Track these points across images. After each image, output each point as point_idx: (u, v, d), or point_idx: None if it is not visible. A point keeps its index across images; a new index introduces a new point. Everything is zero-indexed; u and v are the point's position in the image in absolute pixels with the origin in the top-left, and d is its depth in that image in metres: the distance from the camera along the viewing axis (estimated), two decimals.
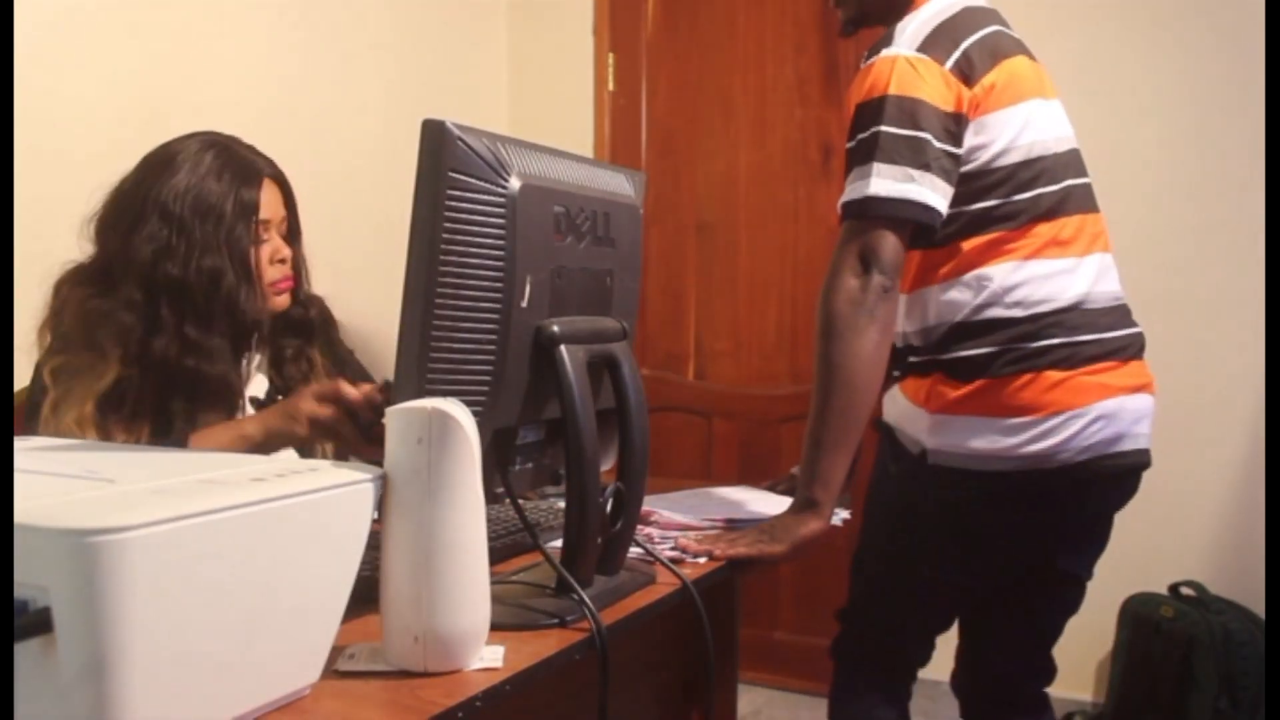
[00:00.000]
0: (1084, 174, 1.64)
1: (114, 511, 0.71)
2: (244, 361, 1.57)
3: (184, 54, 2.41)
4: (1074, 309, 1.54)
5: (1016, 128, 1.54)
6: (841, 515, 1.55)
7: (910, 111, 1.48)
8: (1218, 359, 2.73)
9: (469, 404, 0.96)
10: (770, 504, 1.62)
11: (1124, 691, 2.67)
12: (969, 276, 1.54)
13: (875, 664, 1.76)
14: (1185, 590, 2.66)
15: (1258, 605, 2.60)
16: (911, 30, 1.53)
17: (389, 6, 3.00)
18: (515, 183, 1.03)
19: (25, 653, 0.70)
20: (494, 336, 1.03)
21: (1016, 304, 1.53)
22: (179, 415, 1.44)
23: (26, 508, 0.71)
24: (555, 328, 1.08)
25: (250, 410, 1.55)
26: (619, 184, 1.26)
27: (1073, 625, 2.96)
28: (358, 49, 2.90)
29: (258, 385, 1.60)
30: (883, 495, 1.69)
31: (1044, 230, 1.54)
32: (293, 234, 1.61)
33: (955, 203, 1.51)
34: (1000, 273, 1.53)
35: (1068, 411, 1.50)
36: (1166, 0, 2.76)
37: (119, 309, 1.45)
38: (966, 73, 1.51)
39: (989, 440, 1.52)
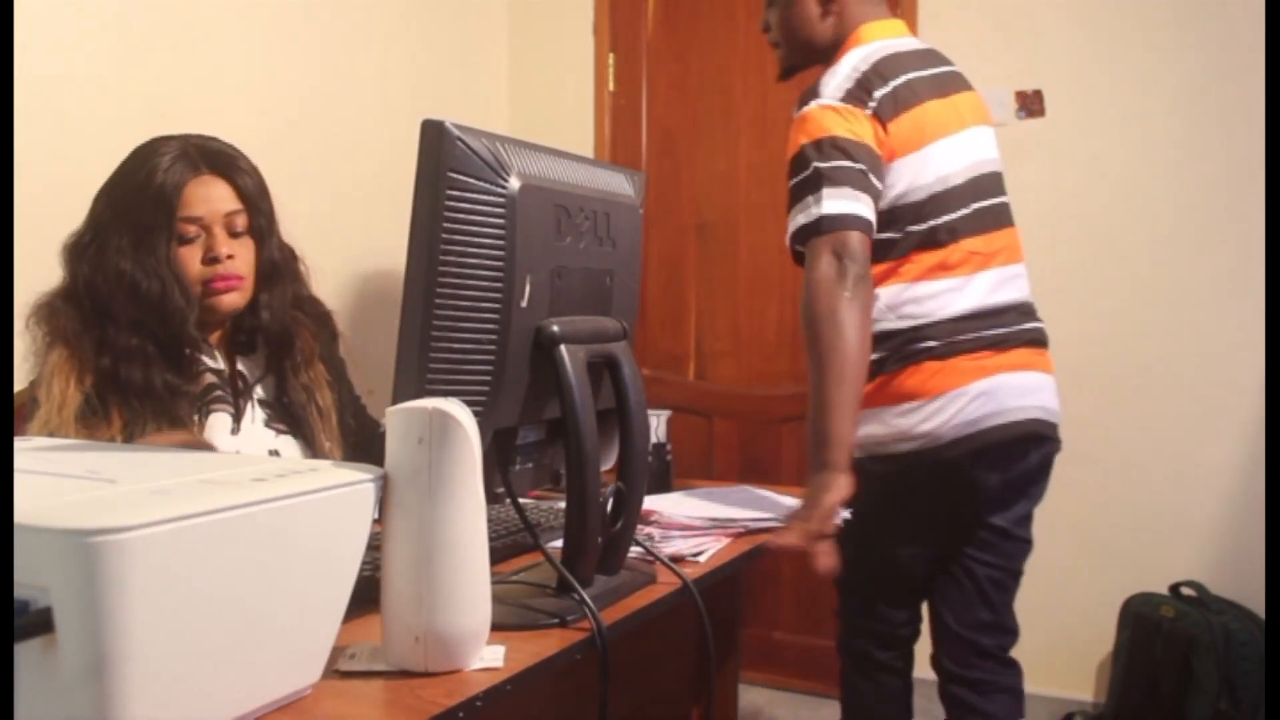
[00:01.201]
0: (995, 195, 1.84)
1: (115, 512, 0.71)
2: (191, 364, 1.50)
3: (184, 55, 2.41)
4: (955, 320, 1.75)
5: (916, 170, 1.74)
6: (842, 515, 1.56)
7: (844, 149, 1.68)
8: (1218, 359, 2.73)
9: (469, 404, 0.96)
10: (772, 503, 1.62)
11: (1125, 692, 2.67)
12: (880, 290, 1.75)
13: (867, 634, 1.93)
14: (1186, 590, 2.66)
15: (1258, 605, 2.60)
16: (834, 84, 1.74)
17: (389, 7, 3.01)
18: (515, 183, 1.03)
19: (26, 653, 0.70)
20: (494, 336, 1.03)
21: (901, 318, 1.75)
22: (130, 414, 1.41)
23: (28, 508, 0.71)
24: (555, 328, 1.08)
25: (218, 414, 1.52)
26: (619, 184, 1.26)
27: (1073, 625, 2.97)
28: (358, 49, 2.90)
29: (265, 389, 1.59)
30: None
31: (931, 257, 1.75)
32: (258, 234, 1.54)
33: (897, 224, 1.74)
34: (889, 293, 1.75)
35: (949, 392, 1.73)
36: (1169, 2, 2.76)
37: (59, 302, 1.45)
38: (882, 117, 1.72)
39: (890, 426, 1.75)
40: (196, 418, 1.49)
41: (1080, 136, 2.86)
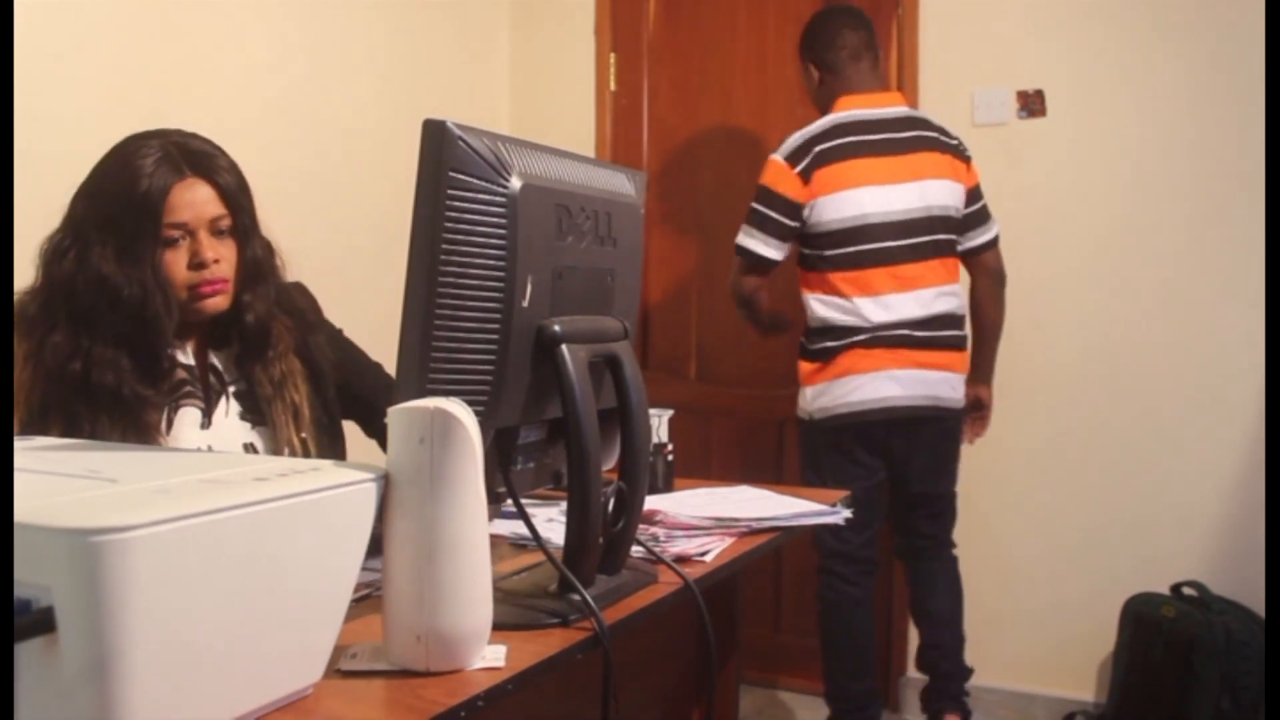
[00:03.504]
0: (931, 233, 2.50)
1: (117, 511, 0.71)
2: (165, 369, 1.49)
3: (184, 53, 2.42)
4: (878, 326, 2.45)
5: (836, 209, 2.47)
6: (844, 514, 1.57)
7: (766, 197, 2.53)
8: (1218, 359, 2.73)
9: (471, 403, 0.96)
10: (774, 503, 1.62)
11: (1126, 691, 2.67)
12: (823, 295, 2.51)
13: (835, 555, 2.60)
14: (1187, 590, 2.65)
15: (1260, 605, 2.60)
16: (789, 142, 2.53)
17: (390, 7, 3.01)
18: (516, 182, 1.03)
19: (28, 652, 0.70)
20: (495, 336, 1.03)
21: (831, 324, 2.51)
22: (85, 421, 1.40)
23: (30, 507, 0.71)
24: (557, 327, 1.08)
25: (196, 416, 1.51)
26: (620, 183, 1.26)
27: (1074, 625, 2.97)
28: (359, 49, 2.90)
29: (238, 382, 1.58)
30: (801, 451, 2.66)
31: (859, 276, 2.47)
32: (240, 234, 1.52)
33: (809, 246, 2.53)
34: (812, 300, 2.55)
35: (866, 374, 2.46)
36: (1171, 2, 2.76)
37: (29, 305, 1.44)
38: (805, 173, 2.47)
39: (831, 397, 2.51)
40: (166, 414, 1.48)
41: (1082, 136, 2.86)
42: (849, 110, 2.52)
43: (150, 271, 1.44)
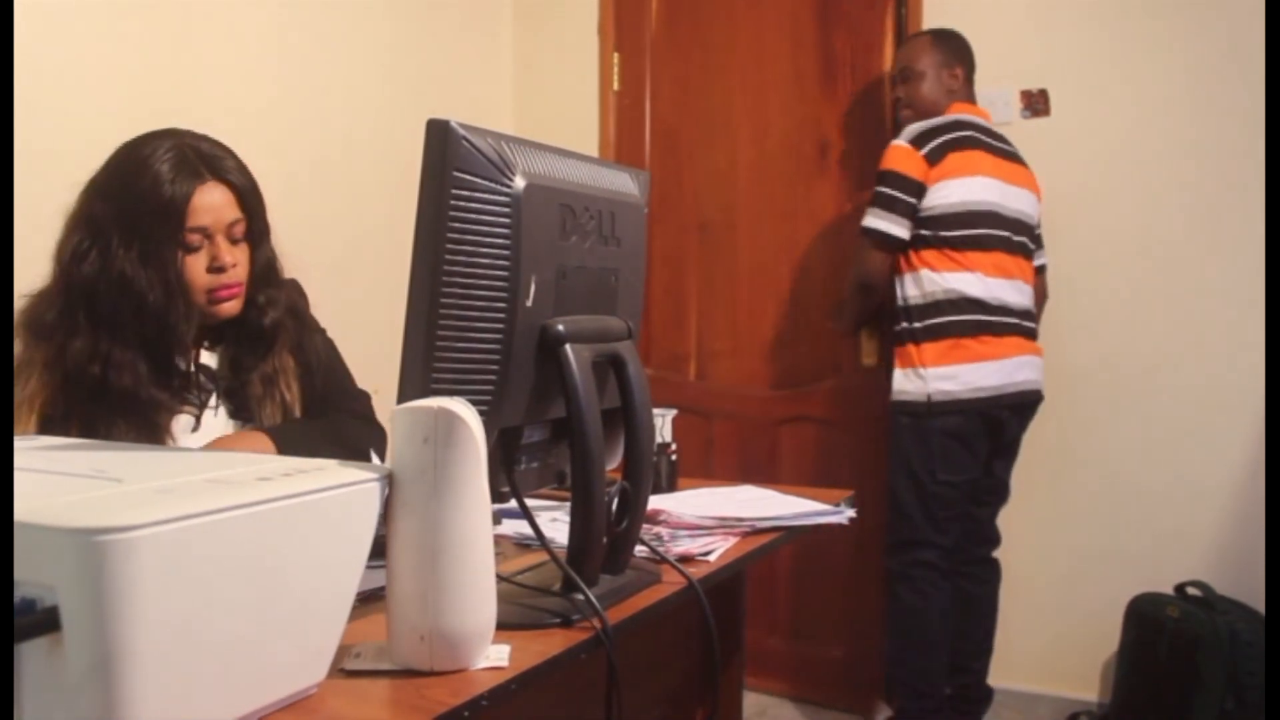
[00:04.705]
0: (1021, 234, 2.66)
1: (121, 510, 0.71)
2: (178, 372, 1.51)
3: (187, 53, 2.42)
4: (1001, 306, 2.61)
5: (963, 192, 2.58)
6: (848, 514, 1.57)
7: (893, 180, 2.62)
8: (1222, 357, 2.73)
9: (474, 403, 0.96)
10: (777, 503, 1.62)
11: (1129, 692, 2.66)
12: (935, 272, 2.62)
13: (930, 547, 2.64)
14: (1191, 590, 2.65)
15: (1264, 605, 2.60)
16: (913, 128, 2.64)
17: (394, 7, 3.01)
18: (520, 182, 1.03)
19: (32, 651, 0.70)
20: (499, 336, 1.03)
21: (963, 298, 2.62)
22: (101, 424, 1.42)
23: (34, 507, 0.71)
24: (560, 327, 1.08)
25: (194, 419, 1.53)
26: (623, 183, 1.26)
27: (1078, 625, 2.96)
28: (362, 50, 2.91)
29: (229, 381, 1.58)
30: (903, 438, 2.66)
31: (960, 255, 2.60)
32: (253, 238, 1.54)
33: (928, 226, 2.61)
34: (925, 275, 2.65)
35: (999, 360, 2.58)
36: (1175, 2, 2.76)
37: (46, 309, 1.45)
38: (931, 155, 2.59)
39: (960, 381, 2.58)
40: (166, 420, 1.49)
41: (1085, 136, 2.86)
42: (966, 114, 2.69)
43: (174, 275, 1.46)
